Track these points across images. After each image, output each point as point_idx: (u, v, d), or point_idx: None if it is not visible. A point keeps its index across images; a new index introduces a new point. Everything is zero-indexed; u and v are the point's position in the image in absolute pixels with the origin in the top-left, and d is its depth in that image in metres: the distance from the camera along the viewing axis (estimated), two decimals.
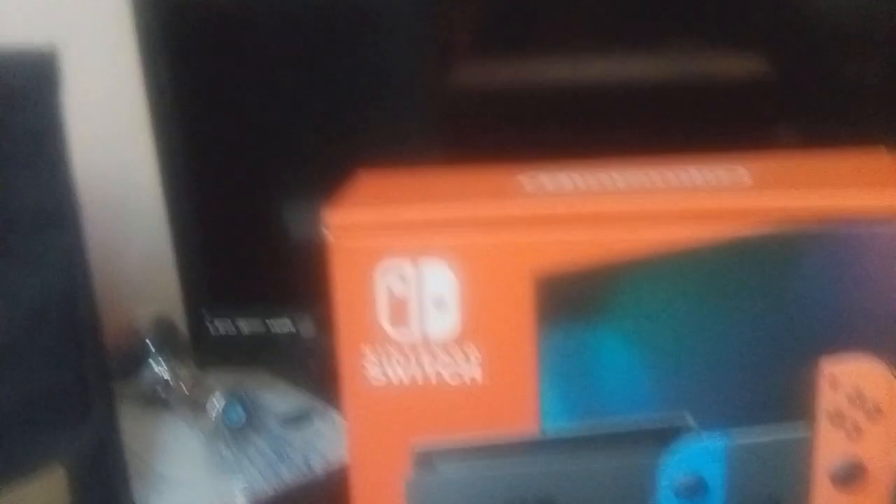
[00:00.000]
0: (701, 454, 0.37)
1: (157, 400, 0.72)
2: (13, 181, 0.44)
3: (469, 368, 0.37)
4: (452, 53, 0.63)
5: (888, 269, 0.35)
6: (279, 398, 0.72)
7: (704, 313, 0.36)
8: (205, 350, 0.70)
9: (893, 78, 0.59)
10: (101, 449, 0.51)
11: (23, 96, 0.43)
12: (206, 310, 0.69)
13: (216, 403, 0.64)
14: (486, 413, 0.37)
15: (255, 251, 0.68)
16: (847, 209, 0.35)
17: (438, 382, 0.37)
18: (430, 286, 0.36)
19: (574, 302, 0.36)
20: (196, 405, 0.68)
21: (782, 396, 0.36)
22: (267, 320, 0.68)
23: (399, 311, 0.37)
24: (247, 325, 0.68)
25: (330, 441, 0.64)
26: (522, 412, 0.37)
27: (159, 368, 0.72)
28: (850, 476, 0.37)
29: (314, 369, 0.70)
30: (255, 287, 0.69)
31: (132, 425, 0.69)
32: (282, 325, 0.67)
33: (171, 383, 0.71)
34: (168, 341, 0.74)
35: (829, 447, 0.36)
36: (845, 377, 0.36)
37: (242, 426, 0.64)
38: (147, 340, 0.74)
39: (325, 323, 0.39)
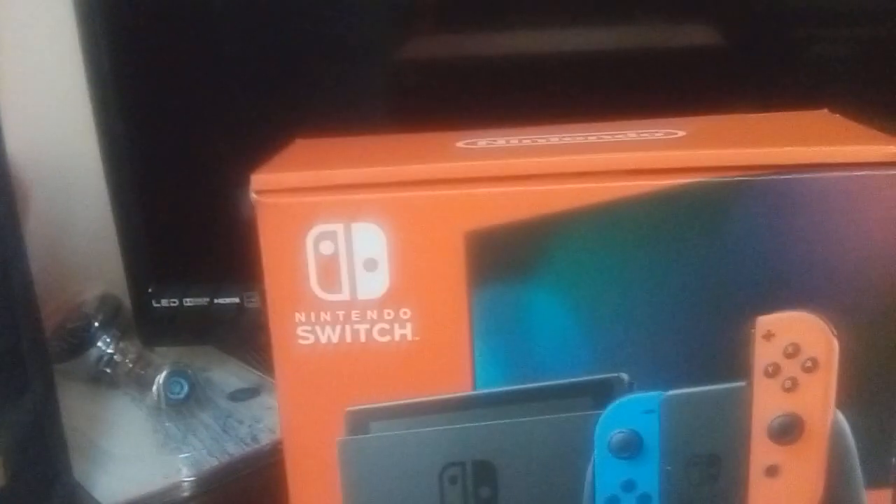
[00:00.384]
0: (636, 410, 0.36)
1: (103, 377, 0.71)
2: None
3: (401, 328, 0.36)
4: (401, 23, 0.62)
5: (824, 223, 0.34)
6: (227, 374, 0.71)
7: (638, 269, 0.35)
8: (149, 326, 0.69)
9: (841, 42, 0.59)
10: (38, 423, 0.50)
11: None
12: (150, 286, 0.68)
13: (159, 378, 0.63)
14: (420, 373, 0.37)
15: (199, 226, 0.67)
16: (783, 161, 0.34)
17: (370, 343, 0.36)
18: (360, 247, 0.35)
19: (505, 258, 0.35)
20: (142, 382, 0.67)
21: (718, 352, 0.36)
22: (212, 295, 0.67)
23: (329, 273, 0.36)
24: (191, 300, 0.67)
25: (277, 414, 0.63)
26: (456, 371, 0.36)
27: (105, 346, 0.71)
28: (788, 430, 0.36)
29: (260, 343, 0.69)
30: (199, 262, 0.68)
31: (78, 403, 0.68)
32: (226, 299, 0.66)
33: (116, 360, 0.70)
34: (114, 319, 0.73)
35: (766, 401, 0.36)
36: (781, 331, 0.35)
37: (186, 400, 0.63)
38: (93, 318, 0.73)
39: None
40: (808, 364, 0.36)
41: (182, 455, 0.60)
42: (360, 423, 0.37)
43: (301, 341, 0.36)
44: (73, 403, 0.68)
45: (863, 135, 0.36)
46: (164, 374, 0.64)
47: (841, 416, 0.36)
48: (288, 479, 0.39)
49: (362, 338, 0.36)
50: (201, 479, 0.57)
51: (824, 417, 0.36)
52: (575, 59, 0.60)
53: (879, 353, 0.36)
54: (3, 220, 0.47)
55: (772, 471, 0.37)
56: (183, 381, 0.65)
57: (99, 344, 0.72)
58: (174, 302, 0.67)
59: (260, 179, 0.35)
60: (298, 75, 0.62)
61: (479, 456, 0.37)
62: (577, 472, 0.37)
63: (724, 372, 0.36)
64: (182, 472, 0.58)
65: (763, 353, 0.36)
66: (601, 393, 0.36)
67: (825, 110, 0.41)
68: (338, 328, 0.36)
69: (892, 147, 0.34)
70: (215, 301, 0.66)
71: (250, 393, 0.67)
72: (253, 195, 0.35)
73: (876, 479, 0.37)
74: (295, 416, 0.38)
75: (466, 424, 0.37)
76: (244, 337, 0.68)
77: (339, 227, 0.35)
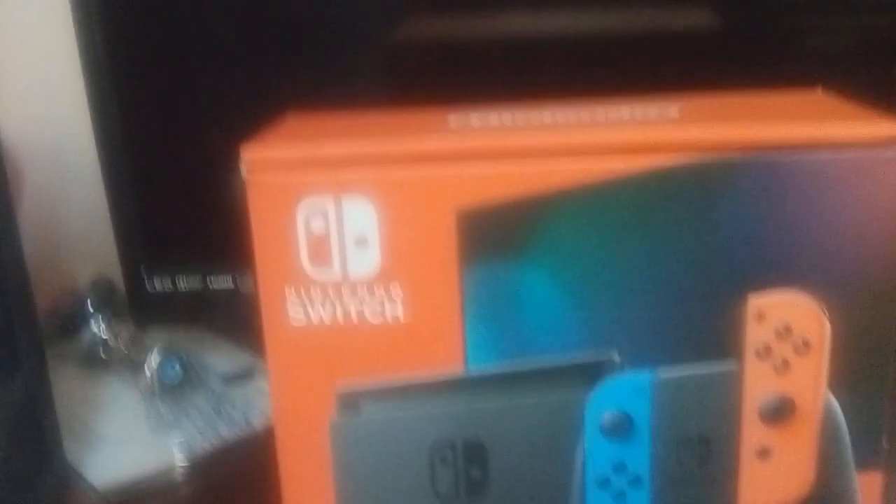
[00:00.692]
0: (627, 391, 0.36)
1: (96, 360, 0.71)
2: None
3: (392, 307, 0.36)
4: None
5: (817, 203, 0.34)
6: (221, 357, 0.71)
7: (630, 247, 0.35)
8: (142, 309, 0.69)
9: (836, 22, 0.59)
10: (30, 404, 0.50)
11: None
12: (143, 267, 0.68)
13: (152, 361, 0.63)
14: (411, 352, 0.36)
15: (193, 208, 0.67)
16: (776, 140, 0.34)
17: (361, 322, 0.36)
18: (351, 224, 0.35)
19: (498, 237, 0.35)
20: (134, 364, 0.67)
21: (709, 332, 0.36)
22: (206, 277, 0.66)
23: (320, 250, 0.36)
24: (185, 283, 0.67)
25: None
26: (447, 351, 0.36)
27: (98, 328, 0.71)
28: (779, 411, 0.36)
29: (254, 327, 0.69)
30: (193, 243, 0.68)
31: (71, 385, 0.68)
32: (221, 282, 0.66)
33: (109, 343, 0.70)
34: (107, 301, 0.73)
35: (758, 383, 0.36)
36: (773, 312, 0.35)
37: (179, 383, 0.63)
38: (86, 300, 0.73)
39: None
40: (800, 345, 0.36)
41: (175, 438, 0.60)
42: (350, 403, 0.37)
43: (292, 319, 0.36)
44: (66, 386, 0.68)
45: (857, 114, 0.36)
46: (157, 356, 0.64)
47: (832, 398, 0.36)
48: (279, 459, 0.39)
49: (353, 317, 0.36)
50: (194, 462, 0.57)
51: (816, 399, 0.36)
52: (568, 39, 0.60)
53: (871, 334, 0.36)
54: None
55: (763, 453, 0.37)
56: (175, 363, 0.64)
57: (92, 326, 0.71)
58: (167, 284, 0.67)
59: (250, 152, 0.35)
60: (292, 54, 0.62)
61: (470, 437, 0.37)
62: (568, 454, 0.37)
63: (715, 352, 0.36)
64: (175, 455, 0.58)
65: (754, 335, 0.35)
66: (592, 373, 0.36)
67: (819, 90, 0.41)
68: (328, 306, 0.36)
69: (886, 126, 0.34)
70: (209, 283, 0.66)
71: (244, 376, 0.67)
72: (243, 171, 0.35)
73: (867, 461, 0.37)
74: (286, 395, 0.38)
75: (457, 405, 0.37)
76: (238, 320, 0.68)
77: (329, 202, 0.35)
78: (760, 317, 0.35)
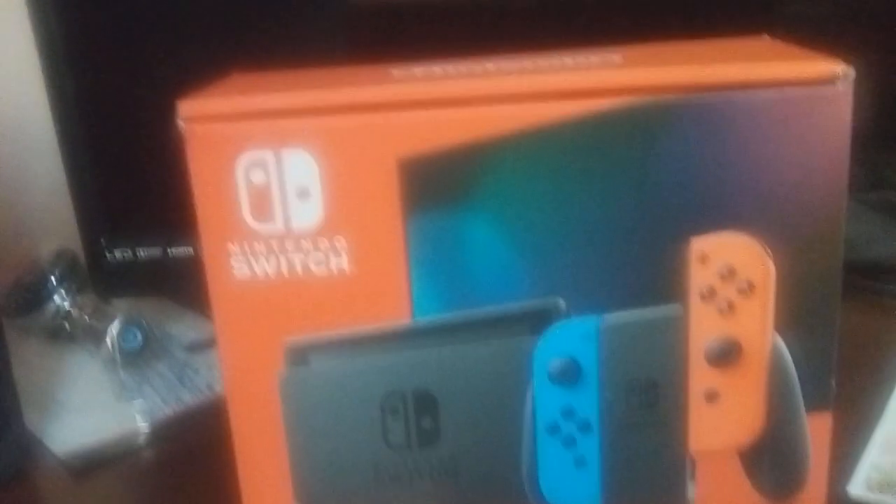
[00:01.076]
0: (573, 337, 0.36)
1: (60, 332, 0.71)
2: None
3: (337, 259, 0.36)
4: None
5: (758, 143, 0.34)
6: (184, 326, 0.71)
7: (572, 193, 0.35)
8: (104, 279, 0.69)
9: None
10: None
11: None
12: (102, 238, 0.67)
13: (113, 329, 0.63)
14: (357, 304, 0.36)
15: (150, 177, 0.66)
16: (716, 80, 0.34)
17: (306, 275, 0.36)
18: (292, 176, 0.35)
19: (440, 185, 0.35)
20: (98, 335, 0.67)
21: (654, 276, 0.36)
22: (166, 246, 0.66)
23: (261, 203, 0.35)
24: (145, 252, 0.66)
25: None
26: (393, 302, 0.36)
27: (62, 300, 0.71)
28: (726, 354, 0.36)
29: None
30: (152, 212, 0.68)
31: (35, 357, 0.68)
32: (181, 251, 0.66)
33: (73, 314, 0.70)
34: (70, 273, 0.72)
35: (703, 325, 0.36)
36: (716, 254, 0.35)
37: (140, 350, 0.63)
38: (49, 273, 0.72)
39: None
40: (744, 287, 0.36)
41: (137, 404, 0.59)
42: (299, 355, 0.37)
43: (236, 273, 0.36)
44: (31, 358, 0.67)
45: (799, 54, 0.36)
46: (117, 324, 0.64)
47: (780, 340, 0.37)
48: (230, 415, 0.38)
49: (298, 269, 0.36)
50: (156, 427, 0.57)
51: (762, 341, 0.36)
52: None
53: (816, 275, 0.36)
54: None
55: (711, 395, 0.37)
56: (136, 331, 0.64)
57: (55, 298, 0.71)
58: (127, 253, 0.66)
59: (187, 106, 0.35)
60: (246, 19, 0.61)
61: (420, 386, 0.37)
62: (517, 400, 0.37)
63: (660, 296, 0.36)
64: (137, 420, 0.58)
65: (698, 277, 0.36)
66: (538, 319, 0.36)
67: (765, 35, 0.41)
68: (272, 259, 0.36)
69: (825, 64, 0.34)
70: (169, 252, 0.66)
71: (207, 344, 0.66)
72: (180, 122, 0.34)
73: (816, 403, 0.37)
74: (233, 350, 0.38)
75: (406, 355, 0.37)
76: (200, 288, 0.68)
77: (269, 155, 0.35)
78: (704, 259, 0.35)
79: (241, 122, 0.35)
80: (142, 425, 0.57)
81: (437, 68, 0.38)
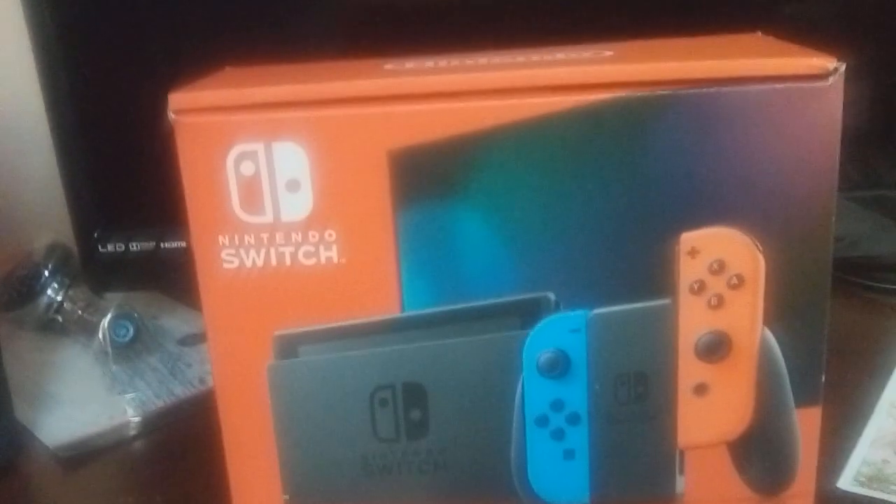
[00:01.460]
0: (563, 329, 0.36)
1: (53, 325, 0.71)
2: None
3: (326, 250, 0.36)
4: None
5: (748, 137, 0.34)
6: (177, 320, 0.71)
7: (563, 186, 0.35)
8: (97, 272, 0.68)
9: None
10: None
11: None
12: (96, 231, 0.67)
13: (105, 321, 0.63)
14: (347, 295, 0.36)
15: (144, 171, 0.66)
16: (707, 74, 0.34)
17: (296, 266, 0.36)
18: (282, 167, 0.35)
19: (430, 177, 0.35)
20: (90, 328, 0.67)
21: (644, 270, 0.36)
22: (158, 240, 0.66)
23: (252, 195, 0.35)
24: (138, 245, 0.66)
25: None
26: (383, 293, 0.36)
27: (55, 294, 0.71)
28: (715, 347, 0.36)
29: None
30: (145, 206, 0.68)
31: (28, 351, 0.67)
32: (174, 245, 0.66)
33: (66, 308, 0.70)
34: (63, 266, 0.72)
35: (692, 318, 0.36)
36: (706, 247, 0.35)
37: (131, 342, 0.63)
38: (42, 266, 0.72)
39: None
40: (734, 280, 0.36)
41: (129, 396, 0.59)
42: (288, 347, 0.37)
43: (226, 265, 0.36)
44: (23, 351, 0.67)
45: (790, 50, 0.36)
46: (108, 317, 0.64)
47: (769, 334, 0.37)
48: (218, 406, 0.38)
49: (288, 261, 0.36)
50: (147, 419, 0.57)
51: (751, 335, 0.37)
52: None
53: (806, 269, 0.36)
54: None
55: (700, 389, 0.37)
56: (128, 324, 0.64)
57: (49, 292, 0.71)
58: (120, 247, 0.66)
59: (178, 98, 0.35)
60: (236, 12, 0.61)
61: (409, 378, 0.37)
62: (506, 393, 0.37)
63: (650, 290, 0.36)
64: (128, 412, 0.57)
65: (688, 270, 0.36)
66: (528, 312, 0.36)
67: (758, 33, 0.41)
68: (262, 251, 0.36)
69: (817, 59, 0.34)
70: (162, 246, 0.66)
71: (199, 338, 0.66)
72: (171, 115, 0.34)
73: (805, 398, 0.37)
74: (223, 342, 0.38)
75: (396, 347, 0.37)
76: (193, 282, 0.68)
77: (259, 147, 0.35)
78: (693, 252, 0.35)
79: (231, 114, 0.34)
80: (133, 418, 0.57)
81: (429, 62, 0.38)
